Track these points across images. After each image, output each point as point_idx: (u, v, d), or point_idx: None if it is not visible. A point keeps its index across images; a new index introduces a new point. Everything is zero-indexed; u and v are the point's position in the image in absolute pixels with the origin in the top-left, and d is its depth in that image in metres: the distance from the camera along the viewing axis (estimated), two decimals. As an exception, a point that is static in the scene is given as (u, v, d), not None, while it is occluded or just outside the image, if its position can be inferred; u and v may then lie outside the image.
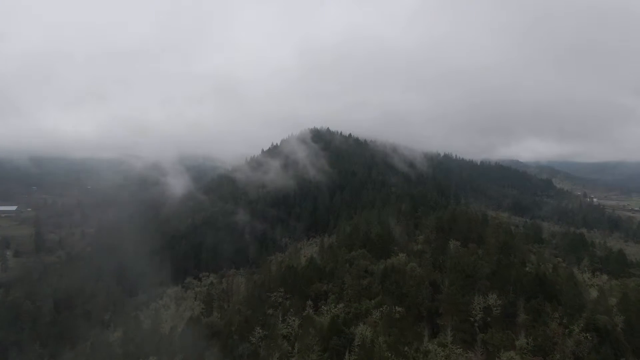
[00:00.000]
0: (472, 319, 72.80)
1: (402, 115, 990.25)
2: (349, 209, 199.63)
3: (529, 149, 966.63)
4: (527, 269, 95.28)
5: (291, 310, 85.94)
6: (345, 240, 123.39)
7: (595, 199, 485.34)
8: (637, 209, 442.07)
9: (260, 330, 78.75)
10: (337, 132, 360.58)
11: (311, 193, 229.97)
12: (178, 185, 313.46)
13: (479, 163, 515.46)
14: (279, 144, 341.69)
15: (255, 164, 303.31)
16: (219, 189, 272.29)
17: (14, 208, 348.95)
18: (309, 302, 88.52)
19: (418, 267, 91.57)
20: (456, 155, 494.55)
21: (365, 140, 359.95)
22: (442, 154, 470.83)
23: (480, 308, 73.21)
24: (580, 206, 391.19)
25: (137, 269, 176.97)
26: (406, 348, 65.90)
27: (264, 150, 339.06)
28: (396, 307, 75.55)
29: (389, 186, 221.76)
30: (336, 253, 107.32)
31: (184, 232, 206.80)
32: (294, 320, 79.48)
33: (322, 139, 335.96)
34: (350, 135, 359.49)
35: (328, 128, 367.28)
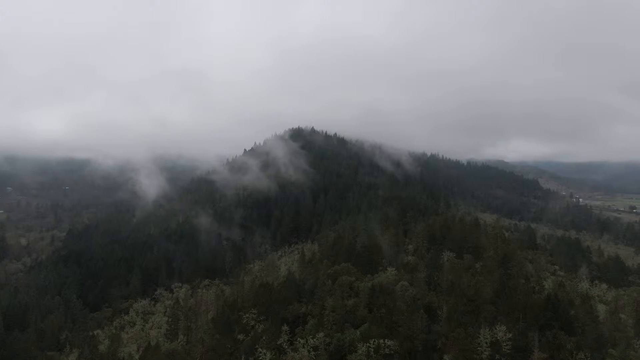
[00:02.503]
0: (477, 357, 61.03)
1: (387, 114, 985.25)
2: (334, 213, 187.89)
3: (515, 149, 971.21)
4: (531, 284, 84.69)
5: (264, 338, 73.64)
6: (328, 251, 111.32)
7: (581, 199, 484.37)
8: (623, 209, 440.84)
9: (225, 367, 66.47)
10: (322, 132, 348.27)
11: (294, 196, 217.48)
12: (155, 188, 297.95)
13: (465, 163, 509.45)
14: (261, 144, 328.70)
15: (236, 164, 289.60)
16: (197, 192, 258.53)
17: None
18: (285, 328, 76.22)
19: (410, 285, 79.95)
20: (443, 156, 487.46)
21: (351, 140, 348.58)
22: (428, 154, 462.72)
23: (487, 343, 61.53)
24: (567, 207, 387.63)
25: (105, 278, 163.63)
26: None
27: (246, 150, 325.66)
28: (386, 341, 63.62)
29: (375, 188, 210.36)
30: (317, 267, 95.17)
31: (157, 238, 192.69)
32: (264, 354, 66.99)
33: (305, 138, 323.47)
34: (335, 134, 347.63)
35: (312, 127, 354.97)
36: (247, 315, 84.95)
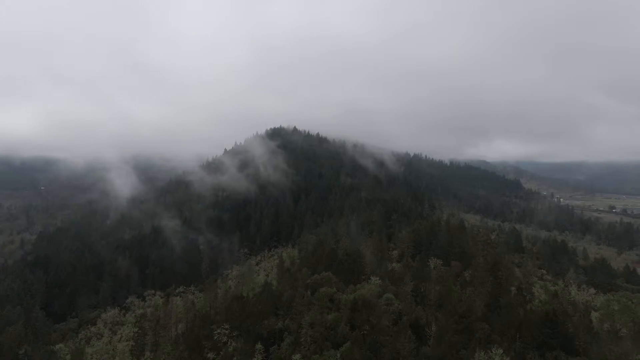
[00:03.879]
0: (472, 384, 54.98)
1: (369, 113, 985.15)
2: (315, 215, 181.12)
3: (496, 149, 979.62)
4: (523, 294, 79.54)
5: (235, 358, 66.76)
6: (308, 259, 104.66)
7: (562, 199, 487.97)
8: (602, 209, 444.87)
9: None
10: (304, 131, 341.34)
11: (273, 197, 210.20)
12: (130, 189, 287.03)
13: (448, 163, 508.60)
14: (242, 144, 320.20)
15: (215, 165, 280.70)
16: (174, 193, 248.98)
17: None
18: (259, 346, 69.51)
19: (395, 298, 73.96)
20: (426, 156, 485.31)
21: (333, 140, 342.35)
22: (411, 154, 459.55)
23: (482, 369, 55.48)
24: (549, 207, 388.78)
25: (73, 286, 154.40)
26: None
27: (226, 150, 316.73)
28: (369, 365, 57.41)
29: (358, 189, 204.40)
30: (296, 277, 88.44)
31: (129, 242, 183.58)
32: (235, 378, 60.35)
33: (286, 138, 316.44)
34: (317, 134, 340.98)
35: (294, 127, 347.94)
36: (219, 330, 77.99)
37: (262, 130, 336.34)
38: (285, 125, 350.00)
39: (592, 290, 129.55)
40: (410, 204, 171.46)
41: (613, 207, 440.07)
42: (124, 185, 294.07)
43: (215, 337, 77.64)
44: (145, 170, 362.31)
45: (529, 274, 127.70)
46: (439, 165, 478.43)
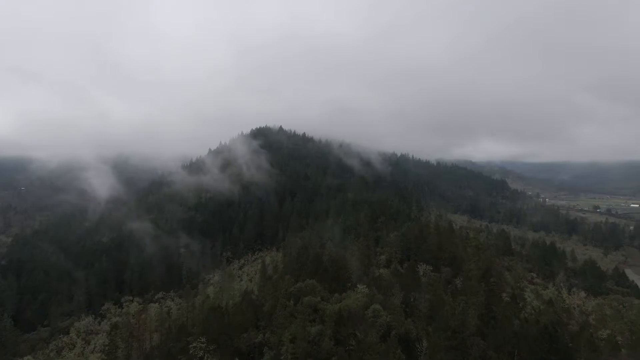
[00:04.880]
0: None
1: (356, 113, 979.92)
2: (301, 217, 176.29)
3: (482, 150, 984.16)
4: (517, 302, 75.63)
5: (211, 375, 61.54)
6: (292, 265, 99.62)
7: (547, 199, 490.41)
8: (587, 209, 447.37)
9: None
10: (290, 131, 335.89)
11: (258, 199, 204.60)
12: (110, 190, 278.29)
13: (435, 163, 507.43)
14: (226, 144, 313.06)
15: (198, 165, 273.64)
16: (155, 194, 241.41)
17: None
18: (237, 362, 64.51)
19: (382, 309, 69.28)
20: (412, 156, 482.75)
21: (319, 140, 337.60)
22: (398, 154, 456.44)
23: (479, 392, 51.22)
24: (535, 208, 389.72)
25: (46, 292, 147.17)
26: None
27: (211, 150, 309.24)
28: (356, 388, 52.74)
29: (344, 191, 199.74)
30: (278, 286, 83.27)
31: (107, 246, 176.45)
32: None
33: (272, 138, 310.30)
34: (304, 134, 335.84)
35: (280, 126, 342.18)
36: (195, 344, 72.51)
37: (247, 130, 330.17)
38: (270, 124, 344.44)
39: (583, 294, 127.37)
40: (398, 206, 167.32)
41: (597, 207, 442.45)
42: (102, 186, 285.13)
43: (191, 352, 72.31)
44: (125, 171, 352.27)
45: (519, 277, 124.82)
46: (425, 166, 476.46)
